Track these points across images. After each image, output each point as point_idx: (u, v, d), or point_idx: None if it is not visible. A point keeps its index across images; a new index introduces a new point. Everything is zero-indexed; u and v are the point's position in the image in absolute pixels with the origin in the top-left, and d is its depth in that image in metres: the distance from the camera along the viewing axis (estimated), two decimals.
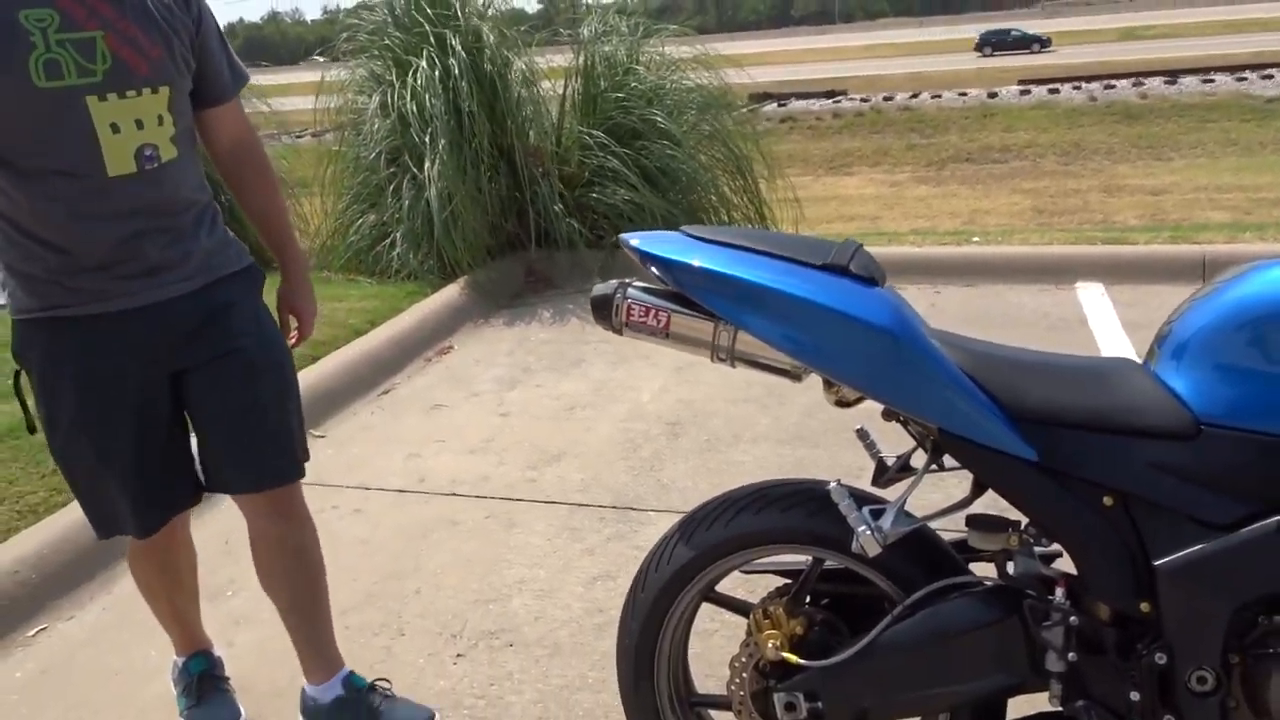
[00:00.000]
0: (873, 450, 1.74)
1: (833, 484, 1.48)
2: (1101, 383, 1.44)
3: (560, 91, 6.15)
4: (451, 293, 5.10)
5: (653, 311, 1.56)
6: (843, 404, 1.57)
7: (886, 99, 24.06)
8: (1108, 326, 4.25)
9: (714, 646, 2.25)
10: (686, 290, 1.50)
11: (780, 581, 1.73)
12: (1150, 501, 1.37)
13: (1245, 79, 21.82)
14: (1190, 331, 1.41)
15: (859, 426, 1.79)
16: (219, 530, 3.03)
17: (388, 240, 5.62)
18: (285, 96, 7.28)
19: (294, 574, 2.06)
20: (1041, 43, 44.83)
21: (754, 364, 1.56)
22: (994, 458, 1.41)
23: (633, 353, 4.29)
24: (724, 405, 3.71)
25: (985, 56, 43.54)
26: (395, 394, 4.12)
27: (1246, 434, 1.32)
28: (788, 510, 1.59)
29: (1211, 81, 21.95)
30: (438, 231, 5.24)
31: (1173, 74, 23.20)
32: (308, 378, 3.95)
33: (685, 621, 1.72)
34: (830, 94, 25.97)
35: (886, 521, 1.45)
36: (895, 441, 1.64)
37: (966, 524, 1.50)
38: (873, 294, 1.44)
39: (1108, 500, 1.39)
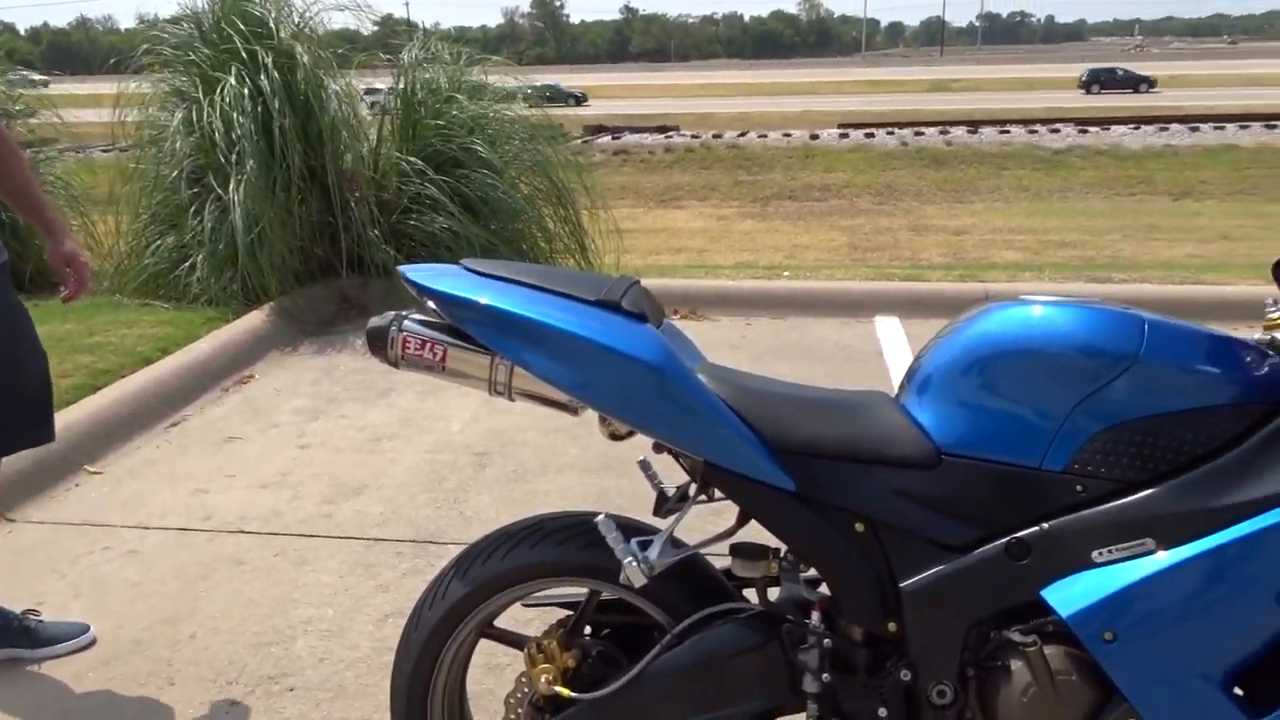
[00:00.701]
0: (654, 481, 1.76)
1: (600, 516, 1.48)
2: (854, 415, 1.51)
3: (379, 116, 6.03)
4: (255, 319, 4.88)
5: (429, 345, 1.54)
6: (615, 437, 1.59)
7: (716, 136, 24.84)
8: (900, 358, 4.49)
9: (506, 681, 2.21)
10: (462, 325, 1.49)
11: (562, 614, 1.73)
12: (897, 527, 1.44)
13: (1036, 131, 23.77)
14: (931, 368, 1.50)
15: (641, 459, 1.81)
16: None
17: (188, 263, 5.33)
18: (83, 108, 6.82)
19: None
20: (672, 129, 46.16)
21: (532, 398, 1.55)
22: (755, 488, 1.46)
23: (444, 383, 4.20)
24: (535, 435, 3.69)
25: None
26: (185, 426, 3.89)
27: (980, 462, 1.41)
28: (563, 543, 1.59)
29: (1008, 133, 23.79)
30: (242, 255, 5.01)
31: (974, 124, 25.00)
32: (85, 409, 3.69)
33: (462, 659, 1.68)
34: (663, 129, 26.58)
35: (653, 552, 1.46)
36: (678, 472, 1.67)
37: (730, 552, 1.53)
38: (641, 330, 1.46)
39: (859, 527, 1.45)
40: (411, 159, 5.69)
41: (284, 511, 3.13)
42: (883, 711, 1.44)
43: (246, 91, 5.16)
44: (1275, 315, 1.55)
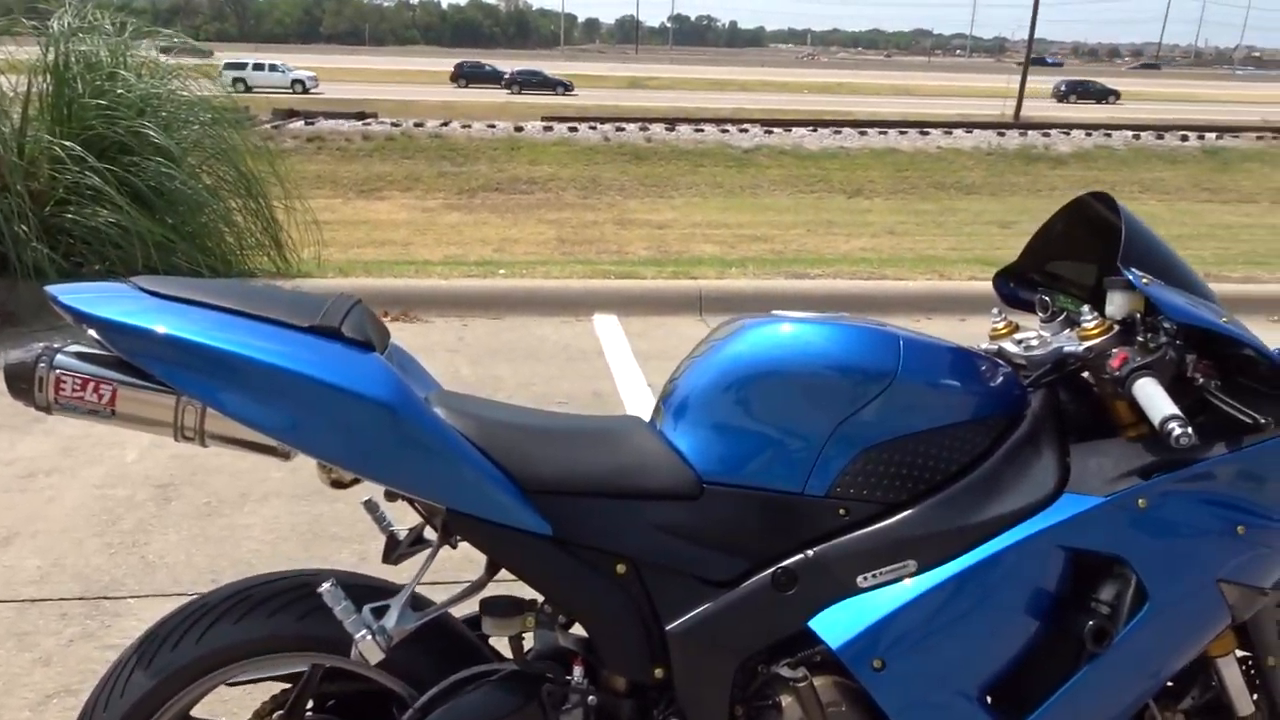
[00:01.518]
0: (383, 524, 1.56)
1: (326, 585, 1.25)
2: (610, 445, 1.38)
3: (22, 92, 5.19)
4: None
5: (92, 384, 1.23)
6: (339, 485, 1.37)
7: (418, 125, 24.11)
8: (621, 356, 4.48)
9: None
10: (135, 360, 1.20)
11: (277, 688, 1.48)
12: (660, 565, 1.34)
13: (728, 131, 25.15)
14: (687, 390, 1.40)
15: (366, 499, 1.60)
16: None
17: None
18: None
19: None
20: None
21: (231, 442, 1.29)
22: (505, 534, 1.29)
23: None
24: (230, 459, 3.28)
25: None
26: None
27: (744, 490, 1.33)
28: (275, 614, 1.34)
29: (702, 131, 24.99)
30: None
31: (671, 122, 26.04)
32: None
33: None
34: (360, 115, 25.42)
35: (391, 620, 1.26)
36: (407, 513, 1.47)
37: (480, 609, 1.36)
38: (366, 360, 1.25)
39: (620, 568, 1.33)
40: (67, 143, 4.94)
41: None
42: None
43: None
44: (1000, 325, 1.60)
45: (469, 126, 24.49)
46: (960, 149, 24.41)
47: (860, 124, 26.70)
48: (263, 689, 1.48)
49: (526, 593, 1.37)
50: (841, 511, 1.32)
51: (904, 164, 23.83)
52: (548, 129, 24.69)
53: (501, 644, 1.47)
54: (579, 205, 20.02)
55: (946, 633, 1.30)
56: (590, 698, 1.32)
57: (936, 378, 1.35)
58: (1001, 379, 1.42)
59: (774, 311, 1.45)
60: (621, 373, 4.24)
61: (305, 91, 40.28)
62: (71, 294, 1.24)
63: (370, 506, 1.59)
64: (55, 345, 1.25)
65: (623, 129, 24.74)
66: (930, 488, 1.33)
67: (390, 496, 1.36)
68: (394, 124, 24.04)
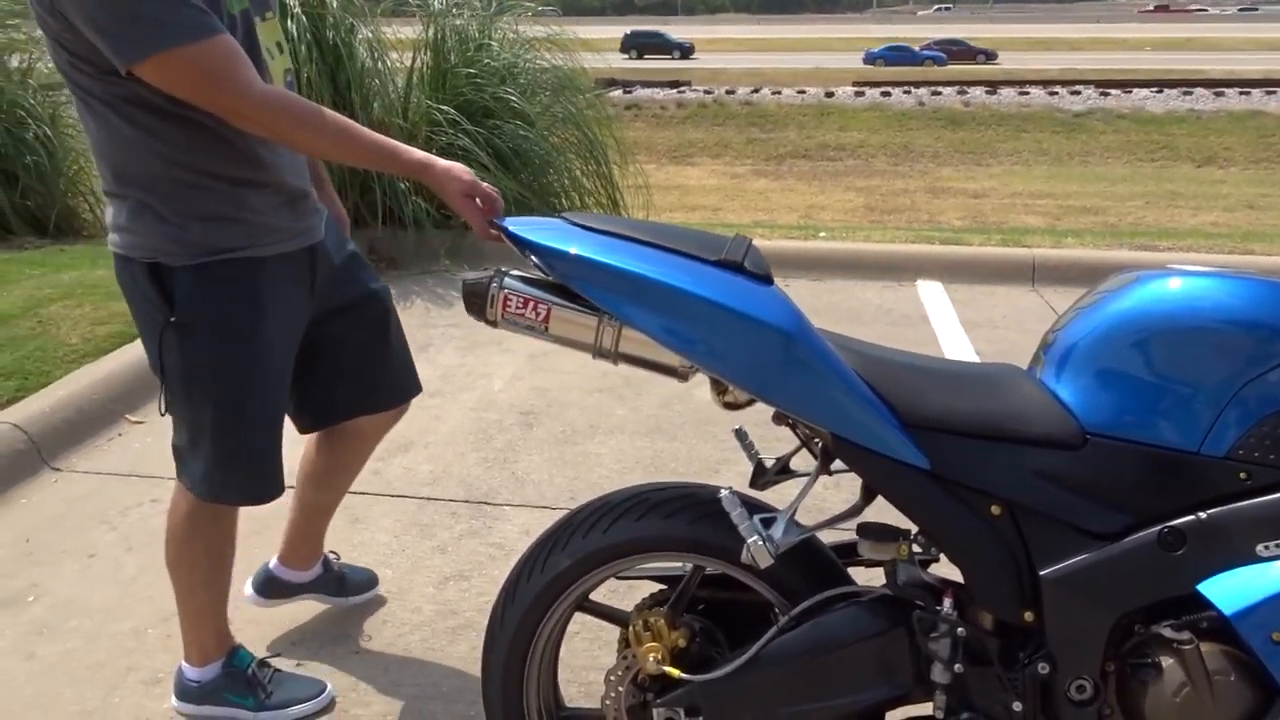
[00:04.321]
0: (751, 451, 1.69)
1: (724, 491, 1.41)
2: (991, 390, 1.43)
3: (407, 65, 5.88)
4: None
5: (532, 304, 1.45)
6: (731, 406, 1.51)
7: (729, 92, 24.47)
8: (947, 323, 4.40)
9: (576, 650, 2.16)
10: (571, 283, 1.40)
11: (654, 588, 1.67)
12: (1036, 511, 1.37)
13: (1056, 94, 23.41)
14: (1075, 340, 1.41)
15: (736, 427, 1.74)
16: (19, 529, 2.71)
17: None
18: None
19: (347, 480, 2.26)
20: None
21: (638, 362, 1.47)
22: (886, 465, 1.38)
23: (484, 338, 4.13)
24: (580, 395, 3.61)
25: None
26: None
27: (1132, 444, 1.33)
28: (670, 517, 1.52)
29: (1027, 94, 23.43)
30: None
31: (993, 85, 24.63)
32: (124, 358, 3.61)
33: (557, 634, 1.62)
34: (674, 84, 26.21)
35: (778, 531, 1.39)
36: (772, 442, 1.60)
37: (857, 533, 1.46)
38: (768, 293, 1.38)
39: (995, 509, 1.38)
40: (444, 108, 5.55)
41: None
42: (1017, 705, 1.37)
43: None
44: None
45: (779, 93, 24.53)
46: None
47: (1216, 84, 23.86)
48: (640, 588, 1.67)
49: (900, 523, 1.45)
50: (1242, 475, 1.29)
51: (1270, 129, 21.07)
52: (859, 94, 24.19)
53: (857, 572, 1.57)
54: (889, 173, 19.57)
55: None
56: (959, 629, 1.38)
57: None
58: None
59: (1169, 265, 1.43)
60: (948, 340, 4.18)
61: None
62: (519, 225, 1.46)
63: (740, 435, 1.72)
64: (503, 270, 1.48)
65: (939, 93, 23.74)
66: None
67: (779, 420, 1.48)
68: (706, 91, 24.55)
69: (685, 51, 47.02)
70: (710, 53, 46.93)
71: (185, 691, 2.00)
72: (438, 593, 2.43)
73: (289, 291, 1.80)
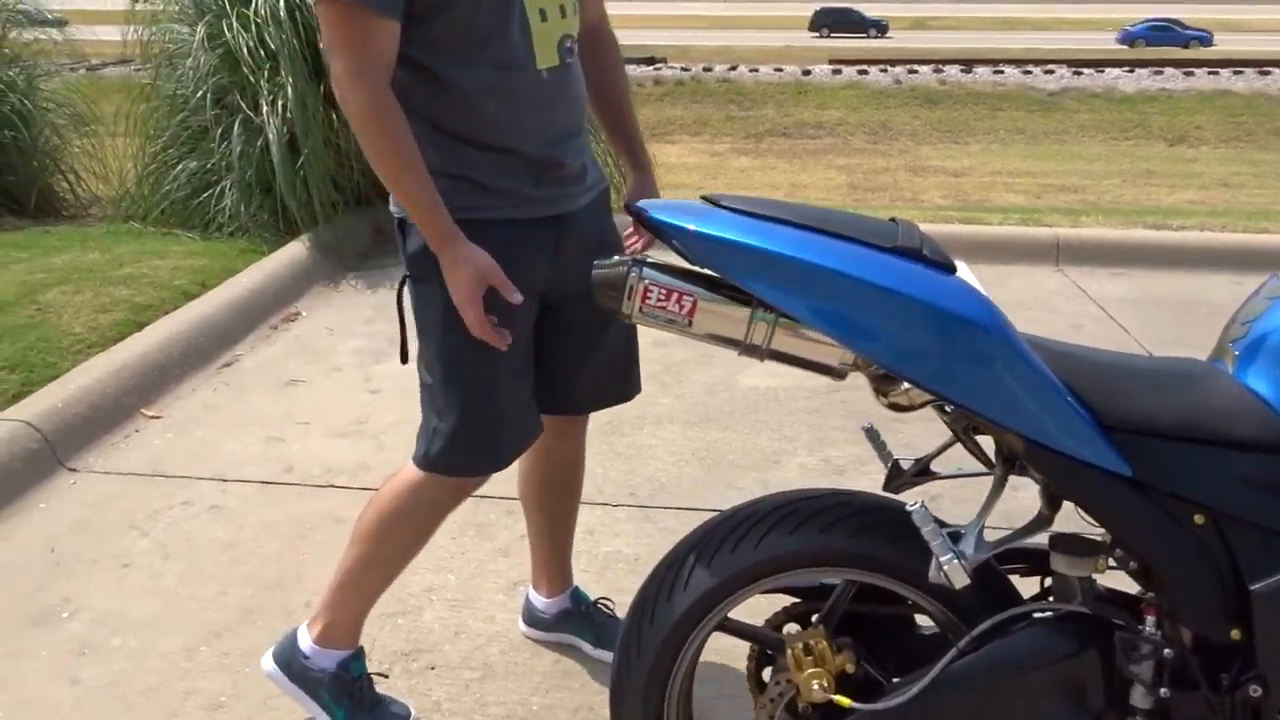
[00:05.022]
0: (883, 451, 1.56)
1: (915, 505, 1.27)
2: (1188, 388, 1.30)
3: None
4: (295, 251, 4.57)
5: (675, 295, 1.30)
6: (899, 408, 1.37)
7: (706, 69, 24.27)
8: None
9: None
10: (729, 273, 1.25)
11: (788, 601, 1.54)
12: (1243, 519, 1.25)
13: (1030, 73, 23.46)
14: (1277, 334, 1.29)
15: (867, 425, 1.61)
16: (42, 537, 2.52)
17: (211, 191, 4.99)
18: (90, 23, 6.37)
19: (571, 487, 2.07)
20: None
21: (790, 359, 1.33)
22: (1084, 472, 1.25)
23: None
24: None
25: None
26: (239, 367, 3.62)
27: None
28: (828, 529, 1.38)
29: (1001, 73, 23.46)
30: (280, 182, 4.68)
31: (968, 64, 24.63)
32: (133, 348, 3.42)
33: (696, 657, 1.48)
34: (650, 60, 25.95)
35: (968, 547, 1.26)
36: (902, 439, 1.47)
37: (1050, 545, 1.33)
38: (954, 282, 1.25)
39: (1199, 518, 1.26)
40: None
41: (372, 464, 2.90)
42: None
43: (282, 4, 4.76)
44: None
45: (756, 70, 24.36)
46: None
47: (1186, 64, 24.05)
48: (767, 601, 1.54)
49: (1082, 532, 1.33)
50: None
51: (1238, 108, 21.26)
52: (836, 72, 24.10)
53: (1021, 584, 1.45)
54: (869, 151, 19.49)
55: None
56: (1165, 651, 1.26)
57: None
58: None
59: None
60: None
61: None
62: (657, 208, 1.31)
63: (871, 434, 1.59)
64: (640, 258, 1.33)
65: (915, 71, 23.70)
66: None
67: (958, 421, 1.34)
68: (683, 68, 24.34)
69: (881, 30, 46.70)
70: (675, 29, 46.57)
71: (289, 661, 1.85)
72: (508, 599, 2.28)
73: (518, 259, 1.63)
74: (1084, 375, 1.28)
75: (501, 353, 1.63)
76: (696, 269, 1.30)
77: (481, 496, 2.70)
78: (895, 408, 1.38)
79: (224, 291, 4.00)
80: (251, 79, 4.81)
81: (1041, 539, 1.36)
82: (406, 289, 1.72)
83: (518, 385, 1.72)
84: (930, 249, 1.28)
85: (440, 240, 1.55)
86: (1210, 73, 23.00)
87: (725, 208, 1.32)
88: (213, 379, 3.49)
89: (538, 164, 1.64)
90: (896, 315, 1.21)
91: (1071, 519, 1.35)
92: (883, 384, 1.36)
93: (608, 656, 2.04)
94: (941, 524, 1.30)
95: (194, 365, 3.52)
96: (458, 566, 2.41)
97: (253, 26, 4.80)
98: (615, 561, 2.45)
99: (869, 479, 2.84)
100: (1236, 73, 23.03)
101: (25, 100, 5.61)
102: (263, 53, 4.79)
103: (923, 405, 1.34)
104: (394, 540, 1.81)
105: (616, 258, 1.33)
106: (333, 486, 2.77)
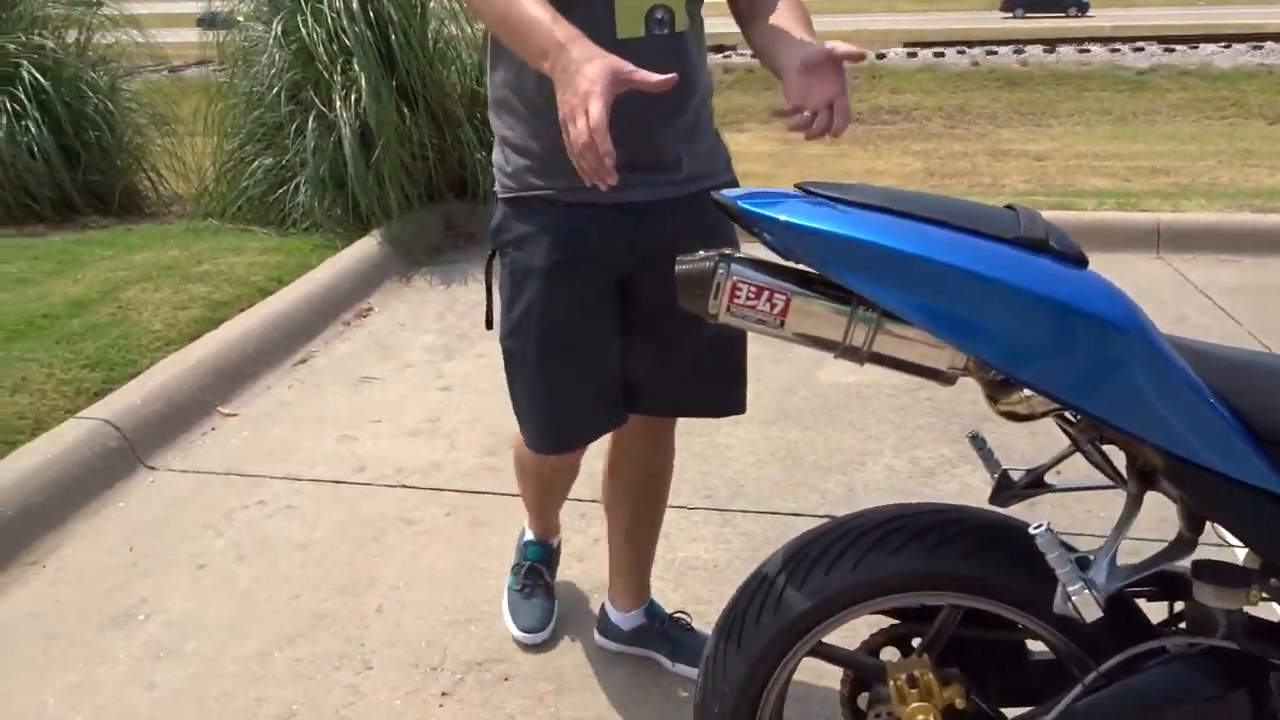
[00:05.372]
0: (990, 460, 1.43)
1: (1040, 527, 1.14)
2: None
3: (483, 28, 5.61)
4: (368, 246, 4.56)
5: (767, 293, 1.18)
6: (1018, 417, 1.24)
7: None
8: None
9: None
10: (827, 267, 1.13)
11: (886, 621, 1.42)
12: None
13: (1118, 50, 22.57)
14: None
15: (973, 432, 1.47)
16: (120, 536, 2.51)
17: (286, 187, 5.01)
18: (165, 28, 6.47)
19: (646, 499, 1.99)
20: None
21: (893, 363, 1.21)
22: (1236, 492, 1.11)
23: None
24: None
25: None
26: (313, 364, 3.60)
27: None
28: (936, 549, 1.26)
29: (1087, 51, 22.60)
30: (353, 177, 4.67)
31: (1051, 43, 23.80)
32: (210, 345, 3.42)
33: (788, 681, 1.37)
34: (719, 48, 25.63)
35: (1100, 575, 1.13)
36: (1006, 447, 1.33)
37: (1193, 574, 1.19)
38: (1090, 278, 1.11)
39: None
40: None
41: (444, 464, 2.85)
42: None
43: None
44: None
45: None
46: None
47: None
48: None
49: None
50: None
51: None
52: (911, 55, 23.49)
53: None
54: (946, 135, 18.90)
55: None
56: None
57: None
58: None
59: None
60: None
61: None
62: (746, 198, 1.20)
63: (977, 442, 1.46)
64: (728, 252, 1.22)
65: (994, 52, 22.93)
66: None
67: (1088, 432, 1.21)
68: (752, 55, 23.99)
69: (1083, 8, 43.48)
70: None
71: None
72: (582, 607, 2.20)
73: (583, 244, 1.58)
74: (1233, 380, 1.13)
75: (565, 337, 1.61)
76: (791, 264, 1.19)
77: None
78: (1012, 416, 1.25)
79: (298, 288, 4.00)
80: (325, 74, 4.82)
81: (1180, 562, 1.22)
82: (496, 260, 1.70)
83: (585, 371, 1.66)
84: (1058, 239, 1.14)
85: (546, 50, 1.28)
86: None
87: (820, 195, 1.20)
88: (287, 376, 3.48)
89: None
90: (1019, 314, 1.08)
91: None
92: (998, 390, 1.23)
93: (686, 671, 1.96)
94: (1069, 548, 1.17)
95: (269, 362, 3.52)
96: None
97: (327, 21, 4.79)
98: (692, 568, 2.35)
99: (958, 482, 2.69)
100: None
101: (109, 101, 5.72)
102: (335, 47, 4.79)
103: (1045, 414, 1.21)
104: (527, 490, 2.10)
105: (702, 252, 1.22)
106: (404, 487, 2.72)
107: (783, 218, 1.15)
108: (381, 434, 3.04)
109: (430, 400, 3.26)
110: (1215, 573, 1.17)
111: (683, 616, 2.07)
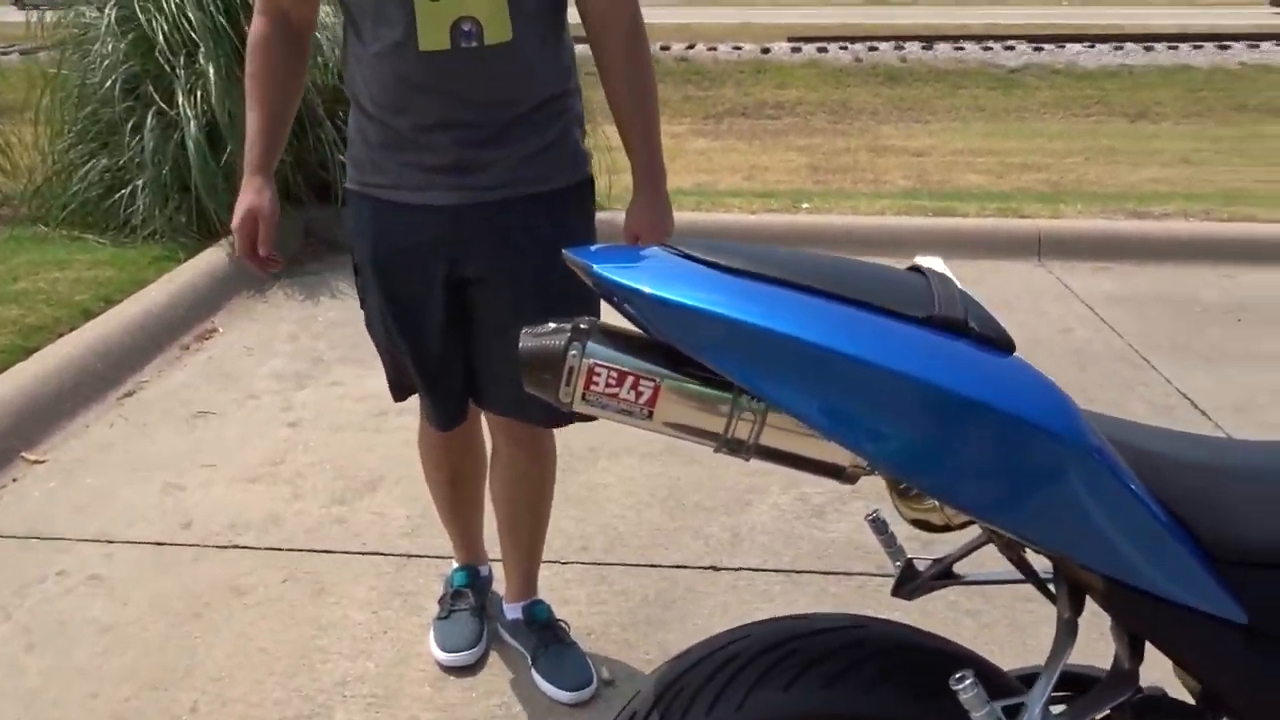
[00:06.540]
0: (892, 547, 1.24)
1: (964, 681, 0.93)
2: None
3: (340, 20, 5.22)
4: (214, 258, 4.15)
5: (631, 379, 0.96)
6: (929, 527, 1.04)
7: (664, 48, 23.79)
8: None
9: None
10: (700, 351, 0.91)
11: None
12: None
13: (991, 49, 23.23)
14: None
15: (872, 515, 1.28)
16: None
17: (124, 190, 4.53)
18: None
19: (512, 497, 1.98)
20: None
21: (782, 458, 1.00)
22: (1185, 618, 0.93)
23: None
24: None
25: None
26: (142, 397, 3.21)
27: None
28: (832, 685, 1.04)
29: (962, 49, 23.21)
30: (199, 181, 4.24)
31: (929, 40, 24.36)
32: (17, 380, 3.01)
33: None
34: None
35: None
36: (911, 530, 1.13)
37: (1135, 714, 1.00)
38: (1016, 370, 0.91)
39: None
40: None
41: (284, 516, 2.52)
42: None
43: None
44: None
45: (714, 49, 23.91)
46: (1269, 65, 21.43)
47: (1147, 38, 23.98)
48: None
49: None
50: None
51: (1198, 83, 21.15)
52: (795, 50, 23.71)
53: None
54: (829, 131, 19.10)
55: None
56: None
57: None
58: None
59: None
60: None
61: None
62: (605, 262, 0.96)
63: (877, 525, 1.26)
64: (583, 324, 0.98)
65: (875, 48, 23.32)
66: None
67: (1011, 550, 1.01)
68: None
69: None
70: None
71: None
72: (436, 694, 1.93)
73: (396, 241, 1.67)
74: (1184, 485, 0.95)
75: (400, 327, 1.72)
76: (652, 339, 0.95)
77: (409, 556, 2.36)
78: (925, 526, 1.05)
79: (129, 308, 3.58)
80: (167, 67, 4.37)
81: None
82: None
83: (420, 362, 1.75)
84: (977, 318, 0.94)
85: (248, 166, 1.67)
86: (1170, 47, 22.92)
87: (696, 259, 0.97)
88: (110, 413, 3.08)
89: (405, 146, 1.60)
90: (935, 416, 0.88)
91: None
92: (909, 495, 1.03)
93: (537, 680, 1.95)
94: (995, 687, 0.96)
95: (89, 397, 3.11)
96: (378, 650, 2.05)
97: (169, 7, 4.34)
98: None
99: (849, 520, 2.53)
100: (1196, 47, 22.98)
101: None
102: (178, 37, 4.35)
103: (962, 526, 1.01)
104: (436, 498, 2.08)
105: (552, 324, 0.98)
106: (235, 547, 2.39)
107: (647, 290, 0.92)
108: (214, 481, 2.69)
109: (274, 439, 2.92)
110: (1163, 711, 0.99)
111: (563, 626, 2.04)
